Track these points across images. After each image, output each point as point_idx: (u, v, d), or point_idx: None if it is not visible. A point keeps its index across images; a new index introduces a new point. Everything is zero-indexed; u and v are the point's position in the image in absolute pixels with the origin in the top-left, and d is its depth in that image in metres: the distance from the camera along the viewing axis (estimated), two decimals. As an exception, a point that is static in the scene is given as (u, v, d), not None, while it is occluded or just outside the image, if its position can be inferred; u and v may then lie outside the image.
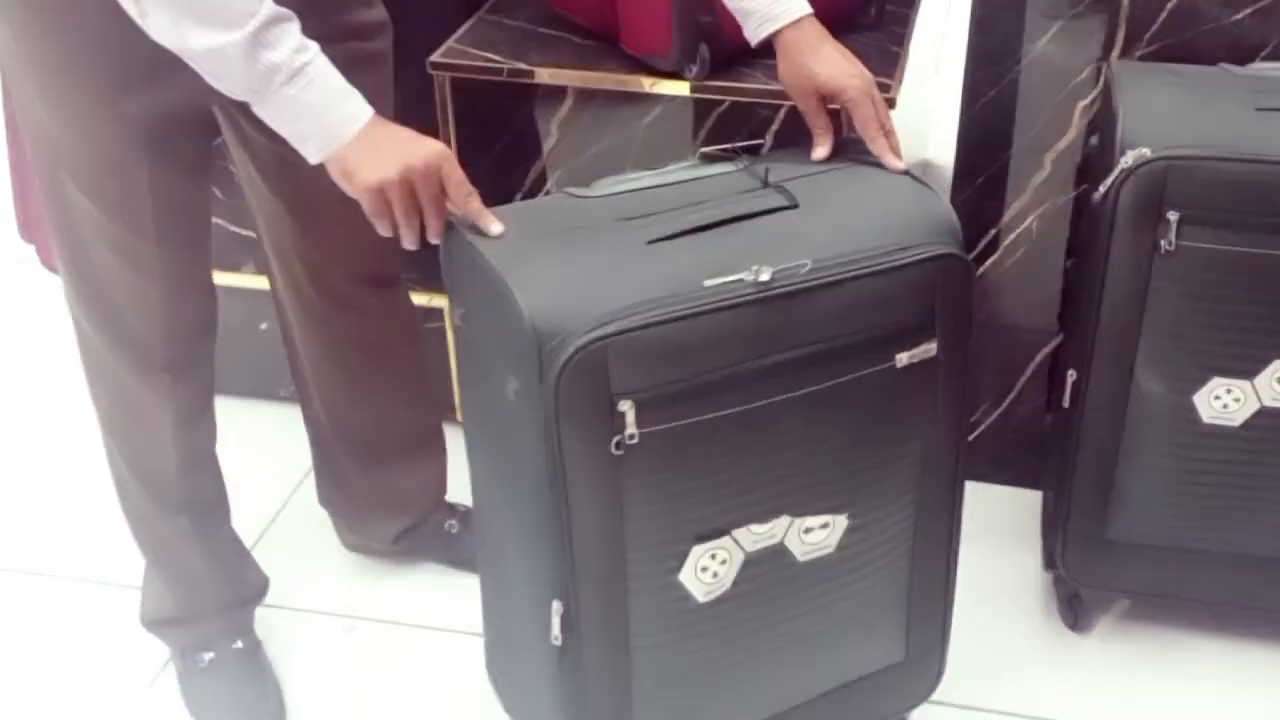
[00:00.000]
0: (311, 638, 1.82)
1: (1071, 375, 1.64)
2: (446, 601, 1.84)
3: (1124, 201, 1.52)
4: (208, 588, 1.67)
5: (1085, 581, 1.76)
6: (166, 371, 1.49)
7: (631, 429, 1.19)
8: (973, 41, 1.79)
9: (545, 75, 1.79)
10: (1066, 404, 1.65)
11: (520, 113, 1.92)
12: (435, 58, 1.81)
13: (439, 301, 2.06)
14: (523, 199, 1.95)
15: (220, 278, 2.06)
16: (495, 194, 1.97)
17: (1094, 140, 1.72)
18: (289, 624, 1.83)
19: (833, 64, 1.35)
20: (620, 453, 1.20)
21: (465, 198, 1.26)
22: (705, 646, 1.36)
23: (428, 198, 1.23)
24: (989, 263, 1.91)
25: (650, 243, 1.24)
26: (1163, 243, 1.51)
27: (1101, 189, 1.54)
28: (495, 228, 1.26)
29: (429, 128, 1.89)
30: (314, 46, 1.20)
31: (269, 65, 1.17)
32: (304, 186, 1.45)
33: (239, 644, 1.70)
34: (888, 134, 1.37)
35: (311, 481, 1.88)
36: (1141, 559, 1.70)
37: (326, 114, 1.21)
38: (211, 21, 1.15)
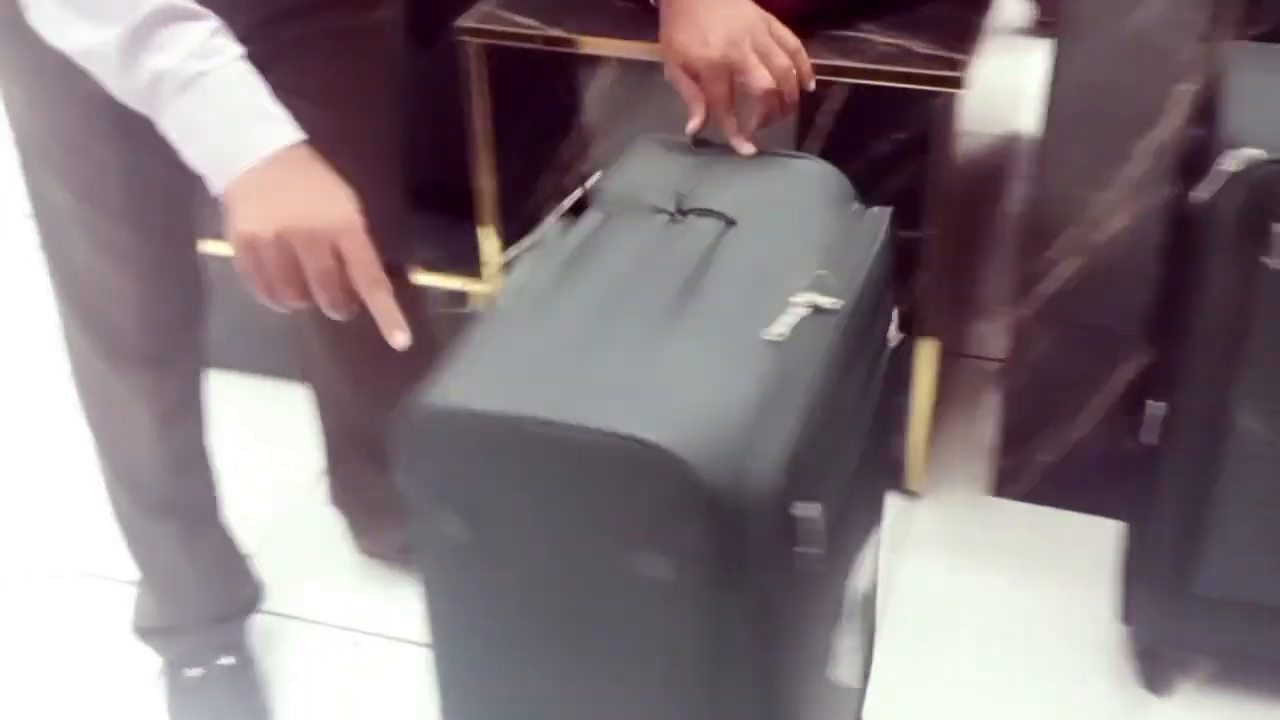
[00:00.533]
0: (313, 651, 1.71)
1: (1159, 409, 1.43)
2: None
3: (1225, 210, 1.31)
4: (194, 597, 1.57)
5: (1165, 640, 1.58)
6: (145, 366, 1.40)
7: None
8: (1067, 12, 1.57)
9: (588, 45, 1.65)
10: (1153, 439, 1.44)
11: (554, 84, 1.76)
12: (464, 22, 1.65)
13: (467, 285, 1.93)
14: (556, 175, 1.78)
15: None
16: (527, 172, 1.86)
17: (1197, 134, 1.49)
18: (291, 634, 1.73)
19: (690, 30, 1.17)
20: None
21: (369, 285, 1.01)
22: None
23: (315, 273, 1.00)
24: (1070, 262, 1.69)
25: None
26: (1269, 261, 1.30)
27: (1199, 193, 1.32)
28: (400, 338, 1.02)
29: (454, 102, 1.78)
30: (229, 52, 1.02)
31: (153, 72, 0.99)
32: None
33: (229, 659, 1.60)
34: (785, 106, 1.19)
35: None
36: (1232, 617, 1.51)
37: (223, 138, 1.01)
38: (92, 13, 0.99)
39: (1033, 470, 1.84)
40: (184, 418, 1.47)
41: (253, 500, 1.86)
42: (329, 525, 1.84)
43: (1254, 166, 1.28)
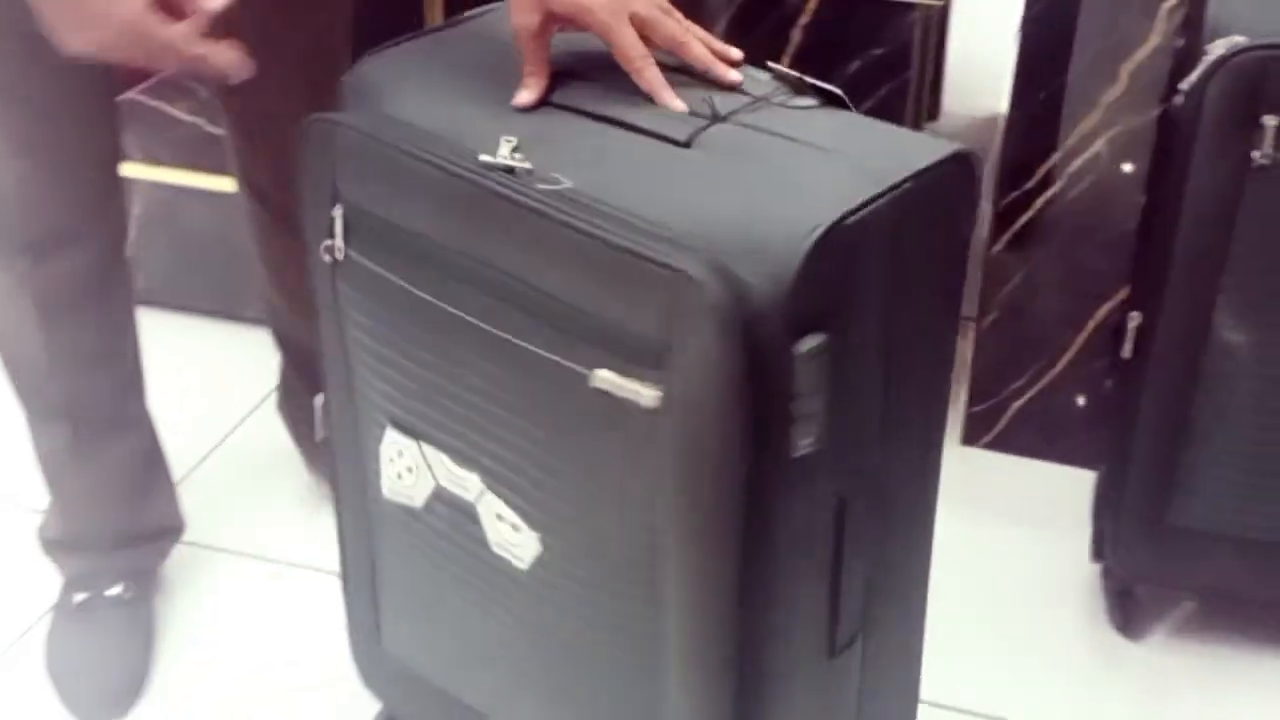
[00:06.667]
0: (235, 583, 1.61)
1: (1135, 319, 1.36)
2: None
3: (1210, 102, 1.24)
4: (90, 513, 1.47)
5: (1140, 575, 1.49)
6: (25, 253, 1.30)
7: (339, 240, 1.06)
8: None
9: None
10: (1127, 354, 1.37)
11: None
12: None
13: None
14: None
15: (191, 179, 1.91)
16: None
17: (1181, 42, 1.42)
18: (214, 566, 1.63)
19: None
20: (339, 259, 1.07)
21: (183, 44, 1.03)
22: (415, 559, 1.16)
23: (148, 57, 1.04)
24: (1048, 195, 1.62)
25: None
26: (1256, 154, 1.24)
27: (1183, 87, 1.25)
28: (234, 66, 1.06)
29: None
30: None
31: None
32: (248, 103, 1.37)
33: (118, 589, 1.48)
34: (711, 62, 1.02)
35: (262, 413, 1.72)
36: (1211, 551, 1.42)
37: None
38: None
39: (1005, 418, 1.77)
40: (70, 315, 1.37)
41: (185, 432, 1.78)
42: (261, 460, 1.77)
43: (1239, 52, 1.21)
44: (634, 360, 0.91)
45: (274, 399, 1.72)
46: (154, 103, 2.10)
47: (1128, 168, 1.58)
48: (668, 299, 0.87)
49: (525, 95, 1.00)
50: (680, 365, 0.89)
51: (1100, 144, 1.58)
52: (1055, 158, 1.60)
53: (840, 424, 0.92)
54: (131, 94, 2.13)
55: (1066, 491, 1.68)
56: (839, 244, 0.86)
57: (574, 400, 0.94)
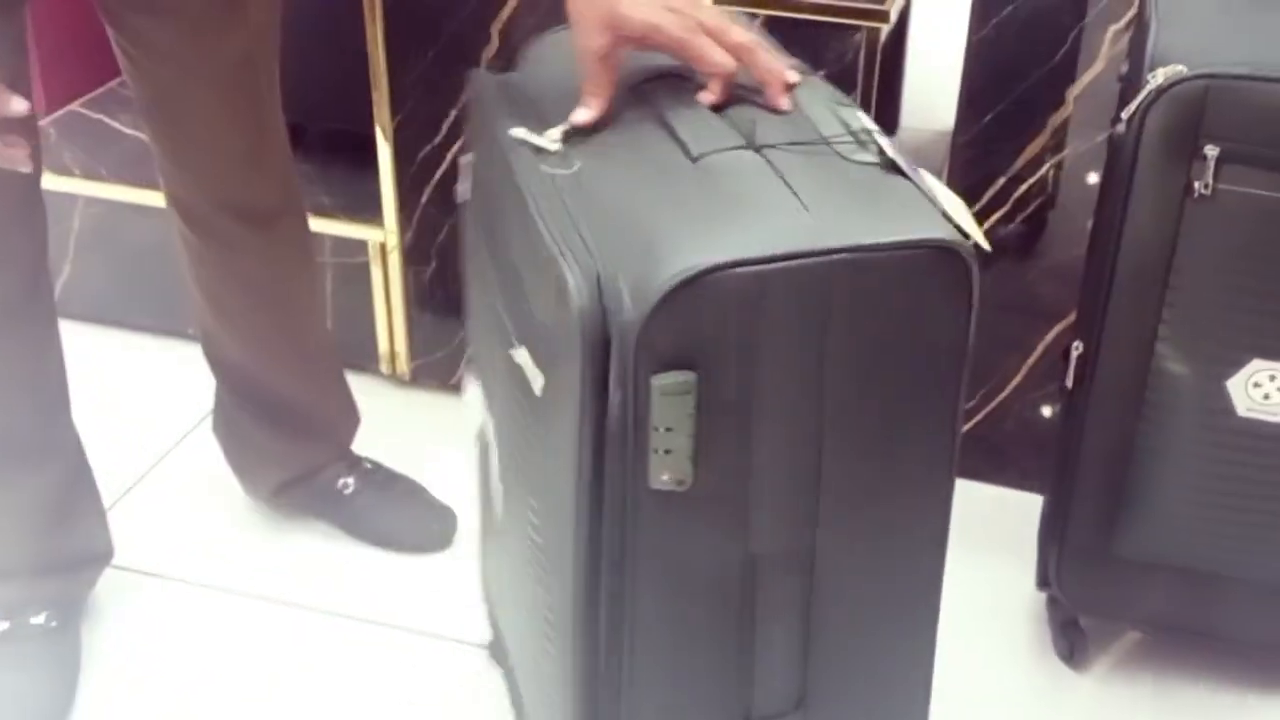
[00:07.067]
0: (161, 610, 1.58)
1: (1077, 348, 1.34)
2: (320, 575, 1.61)
3: (1150, 131, 1.23)
4: (9, 542, 1.42)
5: (1084, 606, 1.48)
6: None
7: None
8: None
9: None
10: (1070, 384, 1.35)
11: (457, 14, 1.66)
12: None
13: (366, 232, 1.83)
14: (458, 115, 1.68)
15: (131, 194, 1.88)
16: (428, 110, 1.76)
17: (1125, 68, 1.41)
18: (138, 591, 1.59)
19: None
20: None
21: None
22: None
23: None
24: (995, 218, 1.60)
25: None
26: (1197, 184, 1.22)
27: (1124, 115, 1.24)
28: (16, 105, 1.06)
29: (352, 34, 1.68)
30: None
31: None
32: (163, 108, 1.35)
33: (41, 618, 1.44)
34: (774, 84, 1.01)
35: (200, 433, 1.69)
36: (1154, 582, 1.41)
37: None
38: None
39: (954, 442, 1.75)
40: None
41: (120, 453, 1.76)
42: (197, 482, 1.74)
43: (1180, 81, 1.20)
44: (539, 347, 0.95)
45: (210, 421, 1.68)
46: (95, 115, 2.07)
47: (1075, 192, 1.56)
48: (554, 297, 0.89)
49: (583, 114, 0.99)
50: (557, 362, 0.92)
51: (1048, 168, 1.57)
52: (1001, 181, 1.58)
53: (727, 476, 0.89)
54: (72, 106, 2.10)
55: (1014, 516, 1.66)
56: (720, 292, 0.84)
57: None
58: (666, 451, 0.87)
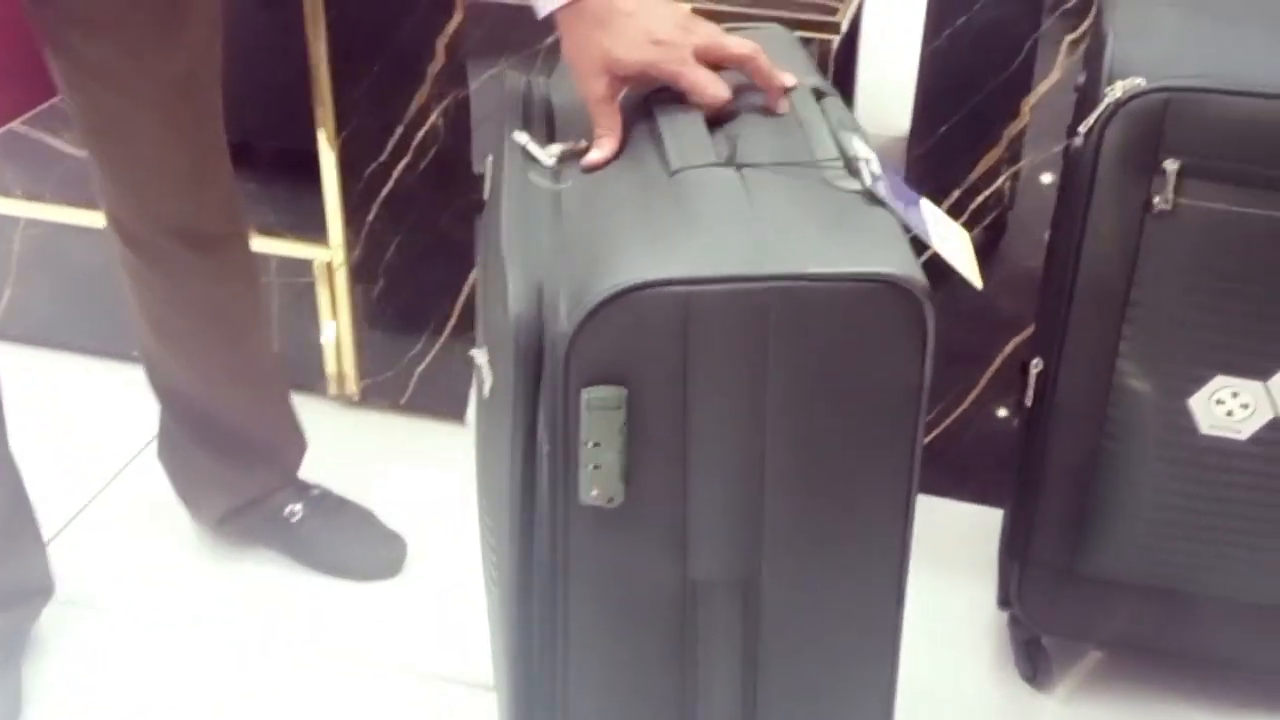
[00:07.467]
0: (105, 644, 1.53)
1: (1037, 366, 1.32)
2: (268, 605, 1.57)
3: (1109, 145, 1.20)
4: None
5: (1047, 626, 1.45)
6: None
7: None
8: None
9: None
10: (1029, 402, 1.33)
11: (401, 27, 1.62)
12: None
13: (311, 252, 1.79)
14: (405, 131, 1.65)
15: (74, 215, 1.83)
16: (373, 125, 1.73)
17: (1082, 79, 1.39)
18: (81, 625, 1.55)
19: (628, 33, 0.97)
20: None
21: None
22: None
23: None
24: (952, 231, 1.58)
25: None
26: (1157, 199, 1.20)
27: (1082, 129, 1.21)
28: None
29: (295, 50, 1.64)
30: None
31: None
32: (104, 129, 1.32)
33: None
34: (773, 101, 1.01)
35: (144, 460, 1.65)
36: (1117, 601, 1.39)
37: None
38: None
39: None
40: None
41: (62, 482, 1.71)
42: (141, 511, 1.69)
43: (1139, 94, 1.18)
44: (493, 350, 0.95)
45: (155, 446, 1.64)
46: (36, 134, 2.02)
47: (1032, 203, 1.54)
48: (500, 301, 0.90)
49: (597, 155, 0.99)
50: (500, 366, 0.92)
51: (1004, 179, 1.55)
52: (957, 193, 1.56)
53: (660, 497, 0.89)
54: (13, 125, 2.04)
55: (975, 531, 1.64)
56: (648, 309, 0.83)
57: None
58: (596, 467, 0.87)
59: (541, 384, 0.88)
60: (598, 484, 0.87)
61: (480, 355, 0.97)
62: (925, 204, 0.94)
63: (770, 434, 0.87)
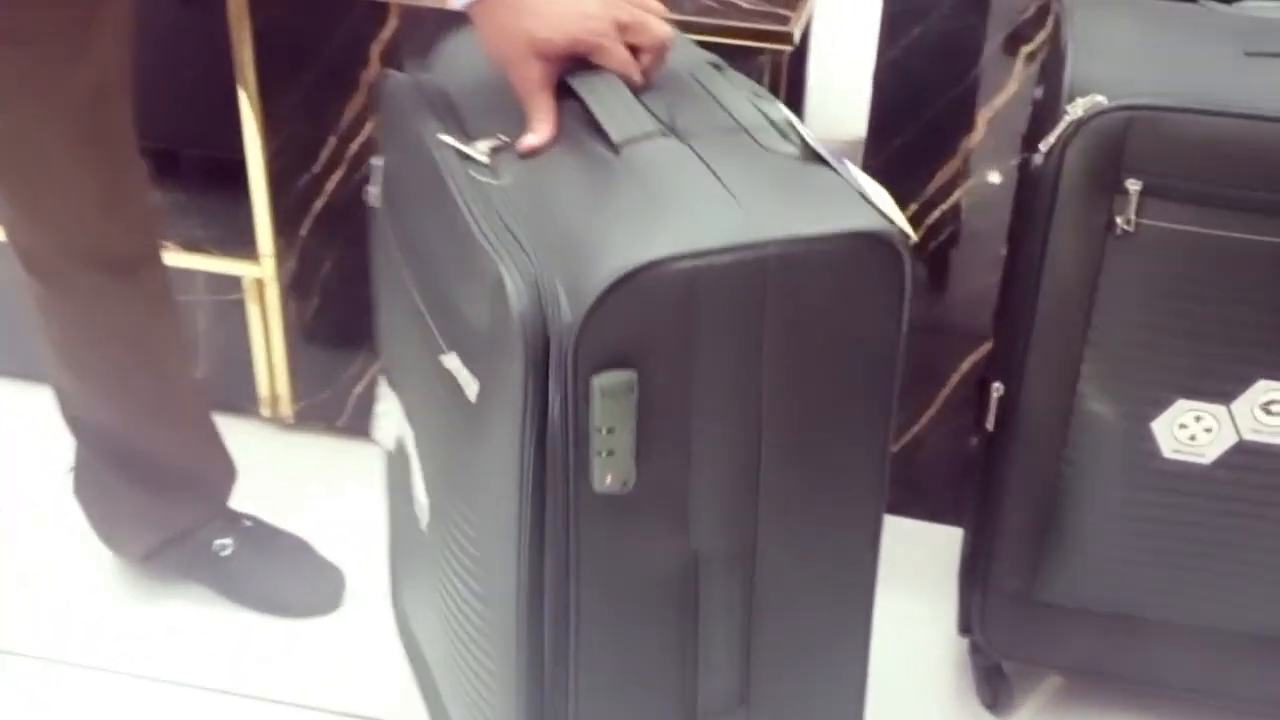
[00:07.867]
0: (14, 691, 1.46)
1: (998, 390, 1.29)
2: (197, 645, 1.51)
3: (1070, 164, 1.17)
4: None
5: (1008, 652, 1.43)
6: None
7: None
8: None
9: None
10: (991, 427, 1.29)
11: (334, 36, 1.56)
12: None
13: (239, 268, 1.72)
14: (338, 142, 1.59)
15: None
16: (305, 136, 1.66)
17: (1039, 92, 1.35)
18: (23, 674, 1.48)
19: (549, 12, 0.97)
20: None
21: None
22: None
23: None
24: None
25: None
26: (1119, 220, 1.17)
27: (1042, 148, 1.18)
28: None
29: (222, 58, 1.57)
30: None
31: None
32: (6, 150, 1.25)
33: None
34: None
35: (60, 492, 1.55)
36: (1079, 628, 1.37)
37: None
38: None
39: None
40: None
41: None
42: (55, 547, 1.62)
43: (1100, 113, 1.14)
44: (473, 353, 0.94)
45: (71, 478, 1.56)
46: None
47: (989, 218, 1.51)
48: (489, 301, 0.89)
49: (534, 139, 0.98)
50: (494, 367, 0.91)
51: (960, 193, 1.51)
52: (914, 207, 1.52)
53: (668, 475, 0.90)
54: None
55: (934, 551, 1.61)
56: (656, 288, 0.84)
57: None
58: (609, 453, 0.87)
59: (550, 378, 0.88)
60: (612, 470, 0.88)
61: (452, 360, 0.95)
62: (849, 163, 0.97)
63: (767, 399, 0.89)
